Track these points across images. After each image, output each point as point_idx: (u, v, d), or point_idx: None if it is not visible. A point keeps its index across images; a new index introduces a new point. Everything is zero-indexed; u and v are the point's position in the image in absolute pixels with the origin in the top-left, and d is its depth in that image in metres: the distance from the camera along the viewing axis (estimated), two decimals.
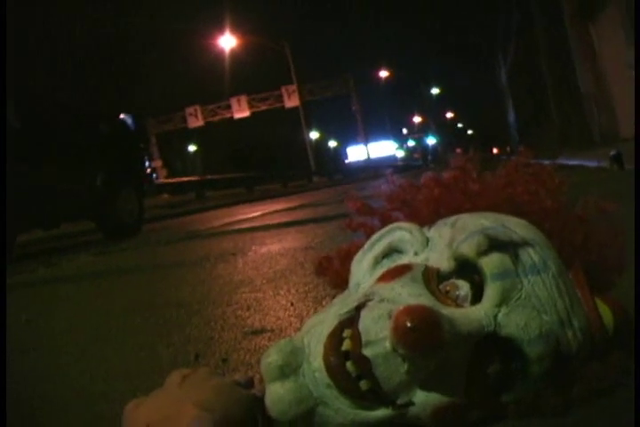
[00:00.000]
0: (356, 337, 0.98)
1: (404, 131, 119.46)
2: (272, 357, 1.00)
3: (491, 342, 0.99)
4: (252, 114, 51.33)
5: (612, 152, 9.26)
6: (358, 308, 1.02)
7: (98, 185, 8.33)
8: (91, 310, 3.03)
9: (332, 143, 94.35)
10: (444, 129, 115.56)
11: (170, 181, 29.03)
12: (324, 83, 54.30)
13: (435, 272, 1.06)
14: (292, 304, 2.37)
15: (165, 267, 4.48)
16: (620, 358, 1.12)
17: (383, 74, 75.11)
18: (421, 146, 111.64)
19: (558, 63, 25.17)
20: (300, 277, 2.95)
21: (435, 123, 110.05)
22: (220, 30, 45.01)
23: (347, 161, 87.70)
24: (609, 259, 1.26)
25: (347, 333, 1.00)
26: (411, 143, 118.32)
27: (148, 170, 11.45)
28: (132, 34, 46.41)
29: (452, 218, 1.18)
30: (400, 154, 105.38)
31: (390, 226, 1.22)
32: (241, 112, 50.60)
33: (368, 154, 62.82)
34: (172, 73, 49.83)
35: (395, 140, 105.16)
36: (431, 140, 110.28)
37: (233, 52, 47.75)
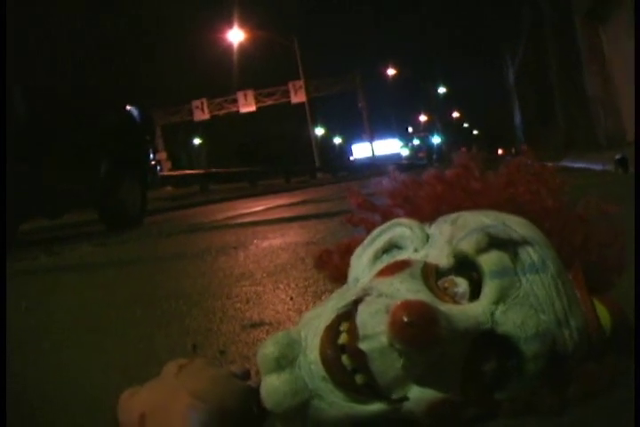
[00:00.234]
0: (353, 331, 0.98)
1: (410, 129, 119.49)
2: (269, 348, 1.01)
3: (487, 340, 0.99)
4: (258, 109, 51.38)
5: (618, 156, 9.26)
6: (356, 302, 1.03)
7: (101, 175, 8.33)
8: (91, 300, 3.04)
9: (337, 140, 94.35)
10: (449, 128, 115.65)
11: (174, 173, 29.04)
12: (331, 79, 54.36)
13: (433, 269, 1.06)
14: (291, 298, 2.37)
15: (166, 259, 4.49)
16: (616, 358, 1.12)
17: (390, 72, 75.11)
18: (426, 145, 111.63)
19: (566, 65, 25.13)
20: (300, 271, 2.96)
21: (440, 122, 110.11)
22: (229, 24, 45.05)
23: (351, 158, 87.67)
24: (609, 260, 1.27)
25: (344, 326, 1.00)
26: (416, 142, 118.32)
27: (153, 162, 11.41)
28: (142, 26, 46.37)
29: (453, 215, 1.18)
30: (405, 152, 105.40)
31: (391, 222, 1.22)
32: (247, 106, 50.64)
33: (373, 151, 62.77)
34: (180, 66, 49.79)
35: (400, 139, 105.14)
36: (436, 140, 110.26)
37: (241, 46, 47.86)
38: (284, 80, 49.84)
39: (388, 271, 1.08)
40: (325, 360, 0.98)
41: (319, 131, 64.71)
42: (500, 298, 1.00)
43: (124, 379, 1.37)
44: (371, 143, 63.14)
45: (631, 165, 8.65)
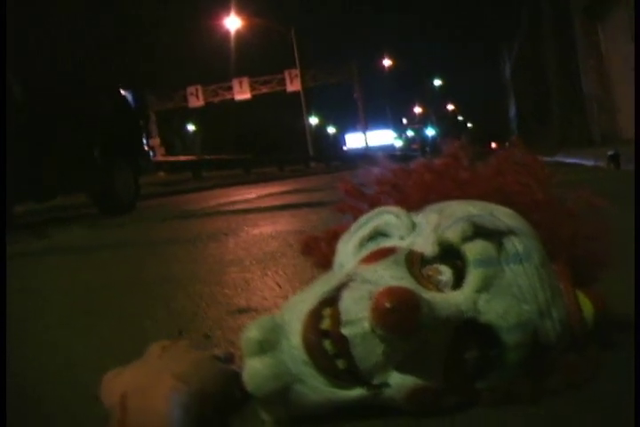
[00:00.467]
0: (336, 316, 0.98)
1: (404, 121, 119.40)
2: (252, 332, 1.01)
3: (470, 328, 0.99)
4: (253, 96, 51.20)
5: (610, 152, 9.29)
6: (340, 288, 1.03)
7: (95, 159, 8.30)
8: (80, 282, 3.03)
9: (331, 129, 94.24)
10: (444, 121, 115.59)
11: (167, 159, 28.97)
12: (327, 69, 54.20)
13: (418, 256, 1.06)
14: (278, 285, 2.38)
15: (157, 244, 4.49)
16: (597, 351, 1.13)
17: (387, 63, 74.95)
18: (420, 137, 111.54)
19: (563, 61, 25.15)
20: (289, 259, 2.96)
21: (435, 114, 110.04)
22: (226, 11, 44.88)
23: (345, 148, 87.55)
24: (595, 254, 1.27)
25: (327, 312, 1.00)
26: (410, 133, 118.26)
27: (146, 147, 11.40)
28: (140, 11, 46.17)
29: (441, 204, 1.18)
30: (398, 144, 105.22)
31: (378, 209, 1.22)
32: (242, 94, 50.47)
33: (366, 142, 62.66)
34: (177, 52, 49.59)
35: (394, 130, 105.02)
36: (430, 132, 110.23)
37: (238, 33, 47.65)
38: (280, 68, 49.73)
39: (372, 258, 1.08)
40: (307, 345, 0.98)
41: (313, 120, 64.61)
42: (484, 287, 1.01)
43: (109, 360, 1.38)
44: (364, 134, 63.05)
45: (624, 162, 8.68)
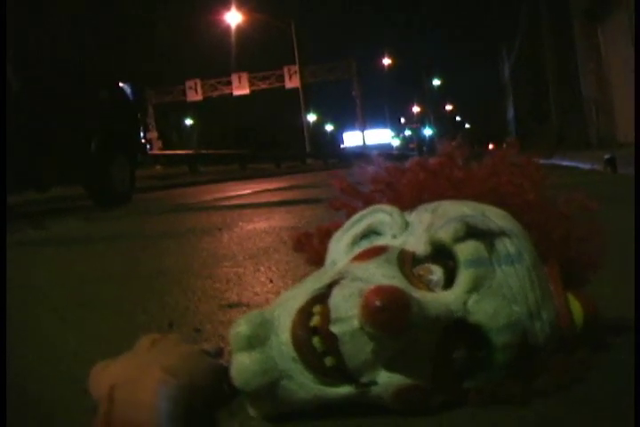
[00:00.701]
0: (326, 313, 0.98)
1: (402, 120, 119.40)
2: (241, 327, 1.01)
3: (459, 328, 0.99)
4: (252, 92, 51.14)
5: (607, 156, 9.30)
6: (331, 285, 1.03)
7: (92, 150, 8.29)
8: (75, 273, 3.03)
9: (329, 127, 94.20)
10: (442, 121, 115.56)
11: (164, 152, 28.92)
12: (327, 66, 54.13)
13: (410, 255, 1.06)
14: (270, 281, 2.38)
15: (151, 237, 4.48)
16: (587, 353, 1.13)
17: (386, 61, 74.93)
18: (418, 136, 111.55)
19: (562, 64, 25.16)
20: (282, 255, 2.96)
21: (433, 114, 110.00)
22: (227, 5, 44.83)
23: (342, 146, 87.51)
24: (587, 256, 1.28)
25: (317, 309, 1.00)
26: (407, 133, 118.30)
27: (143, 140, 11.38)
28: (140, 3, 46.14)
29: (434, 204, 1.19)
30: (396, 143, 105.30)
31: (372, 207, 1.22)
32: (241, 89, 50.41)
33: (364, 140, 62.64)
34: (176, 46, 49.56)
35: (392, 129, 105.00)
36: (428, 131, 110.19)
37: (238, 28, 47.60)
38: (279, 64, 49.69)
39: (364, 256, 1.08)
40: (296, 341, 0.98)
41: (311, 117, 64.52)
42: (474, 287, 1.01)
43: (99, 352, 1.38)
44: (362, 132, 63.02)
45: (620, 166, 8.69)
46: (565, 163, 12.94)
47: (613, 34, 18.73)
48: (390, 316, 0.90)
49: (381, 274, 1.01)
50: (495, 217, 1.12)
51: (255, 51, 52.56)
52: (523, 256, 1.07)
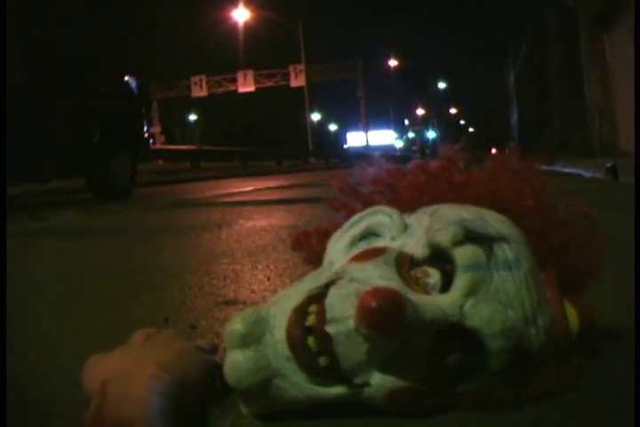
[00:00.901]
0: (322, 313, 0.98)
1: (406, 122, 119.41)
2: (236, 325, 1.01)
3: (454, 332, 0.99)
4: (257, 89, 51.16)
5: (609, 164, 9.30)
6: (328, 285, 1.03)
7: (94, 143, 8.29)
8: (70, 266, 3.03)
9: (333, 127, 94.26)
10: (445, 124, 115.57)
11: (167, 147, 28.94)
12: (332, 65, 54.12)
13: (408, 258, 1.06)
14: (268, 279, 2.38)
15: (150, 232, 4.48)
16: (581, 360, 1.13)
17: (392, 63, 74.95)
18: (421, 139, 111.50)
19: (567, 70, 25.15)
20: (280, 253, 2.96)
21: (437, 117, 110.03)
22: (235, 2, 44.85)
23: (345, 146, 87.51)
24: (585, 263, 1.28)
25: (313, 308, 1.00)
26: (411, 135, 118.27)
27: (146, 135, 11.39)
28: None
29: (433, 207, 1.19)
30: (399, 144, 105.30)
31: (371, 209, 1.22)
32: (246, 86, 50.41)
33: (367, 141, 62.64)
34: (183, 41, 49.61)
35: (395, 130, 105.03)
36: (431, 134, 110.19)
37: (245, 25, 47.63)
38: (285, 63, 49.72)
39: (362, 257, 1.08)
40: (291, 340, 0.98)
41: (315, 116, 64.54)
42: (471, 292, 1.01)
43: (93, 344, 1.38)
44: (366, 133, 63.02)
45: (622, 174, 8.69)
46: (568, 170, 12.94)
47: (619, 41, 18.71)
48: (385, 317, 0.90)
49: (378, 275, 1.01)
50: (494, 222, 1.12)
51: (261, 48, 52.61)
52: (520, 262, 1.07)
